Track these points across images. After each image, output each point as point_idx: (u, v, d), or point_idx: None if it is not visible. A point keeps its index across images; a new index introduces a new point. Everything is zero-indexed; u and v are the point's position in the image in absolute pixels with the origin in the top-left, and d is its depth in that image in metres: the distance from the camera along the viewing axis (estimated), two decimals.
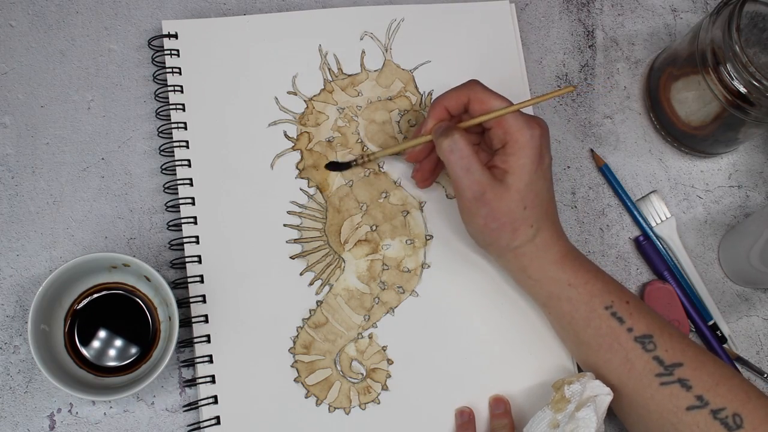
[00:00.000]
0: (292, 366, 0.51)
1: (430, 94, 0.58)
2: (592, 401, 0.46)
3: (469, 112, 0.50)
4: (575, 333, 0.49)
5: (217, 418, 0.50)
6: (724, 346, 0.57)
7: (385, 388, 0.52)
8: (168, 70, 0.55)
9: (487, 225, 0.48)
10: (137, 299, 0.51)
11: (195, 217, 0.53)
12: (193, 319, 0.51)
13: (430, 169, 0.54)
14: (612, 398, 0.46)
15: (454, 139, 0.47)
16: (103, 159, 0.54)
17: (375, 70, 0.58)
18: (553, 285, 0.49)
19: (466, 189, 0.47)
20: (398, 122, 0.57)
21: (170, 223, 0.53)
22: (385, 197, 0.55)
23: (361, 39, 0.58)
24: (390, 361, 0.53)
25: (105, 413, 0.50)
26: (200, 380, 0.50)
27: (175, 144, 0.54)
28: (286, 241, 0.54)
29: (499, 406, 0.51)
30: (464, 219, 0.50)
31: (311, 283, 0.53)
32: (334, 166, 0.55)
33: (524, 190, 0.47)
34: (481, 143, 0.52)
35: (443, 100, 0.50)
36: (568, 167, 0.59)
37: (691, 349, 0.46)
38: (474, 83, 0.49)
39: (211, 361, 0.51)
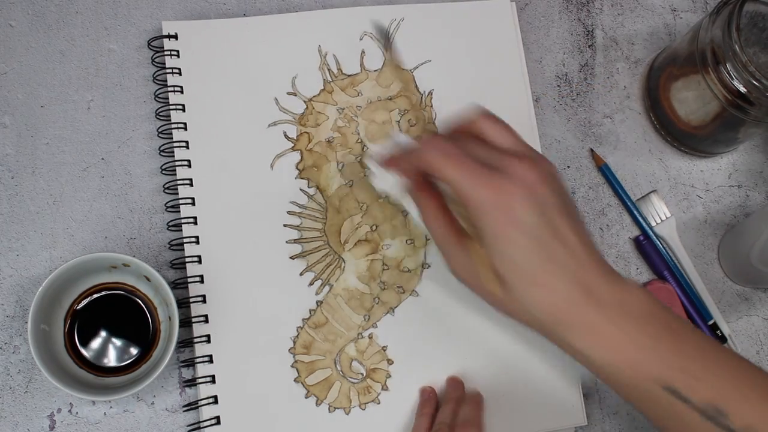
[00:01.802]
0: (292, 366, 0.51)
1: (430, 93, 0.58)
2: None
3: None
4: (637, 409, 0.41)
5: (217, 418, 0.50)
6: (724, 345, 0.57)
7: (385, 388, 0.52)
8: (168, 70, 0.55)
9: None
10: (137, 299, 0.51)
11: (195, 218, 0.53)
12: (193, 319, 0.51)
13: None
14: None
15: (448, 243, 0.43)
16: (103, 159, 0.54)
17: (375, 70, 0.58)
18: (594, 367, 0.40)
19: (470, 286, 0.43)
20: (398, 122, 0.57)
21: (170, 224, 0.53)
22: (386, 197, 0.55)
23: (361, 39, 0.58)
24: (390, 361, 0.53)
25: (105, 413, 0.50)
26: (200, 380, 0.50)
27: (175, 144, 0.54)
28: (286, 242, 0.54)
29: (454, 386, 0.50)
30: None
31: (311, 283, 0.53)
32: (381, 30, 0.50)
33: (522, 291, 0.39)
34: None
35: (401, 162, 0.44)
36: (568, 167, 0.59)
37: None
38: (431, 154, 0.41)
39: (211, 361, 0.51)
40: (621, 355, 0.39)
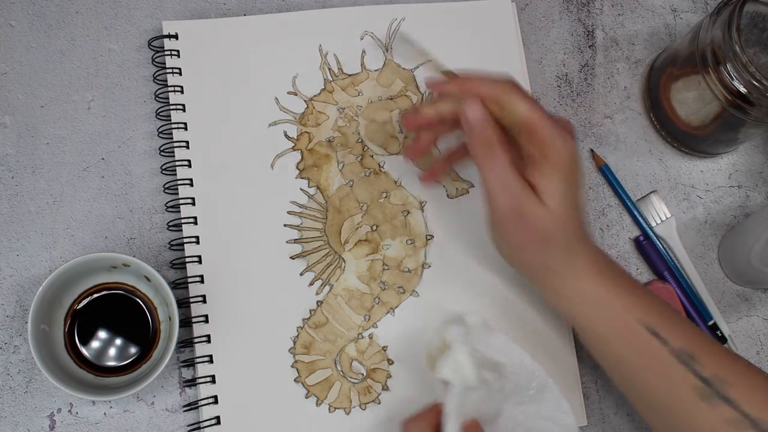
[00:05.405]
0: (292, 366, 0.51)
1: (430, 93, 0.58)
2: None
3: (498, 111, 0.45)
4: (612, 353, 0.46)
5: (217, 418, 0.50)
6: (724, 346, 0.57)
7: (385, 388, 0.52)
8: (168, 70, 0.55)
9: (519, 243, 0.46)
10: (137, 299, 0.51)
11: (195, 218, 0.53)
12: (193, 319, 0.51)
13: (428, 143, 0.50)
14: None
15: (495, 153, 0.44)
16: (103, 159, 0.54)
17: (375, 70, 0.58)
18: (587, 303, 0.46)
19: (501, 205, 0.44)
20: (398, 122, 0.57)
21: (170, 224, 0.53)
22: (386, 197, 0.55)
23: (362, 39, 0.58)
24: (390, 361, 0.53)
25: (105, 413, 0.50)
26: (200, 380, 0.50)
27: (175, 144, 0.54)
28: (287, 241, 0.54)
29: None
30: (494, 235, 0.48)
31: (311, 283, 0.53)
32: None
33: (559, 209, 0.44)
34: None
35: (477, 86, 0.45)
36: None
37: (734, 365, 0.44)
38: (511, 87, 0.45)
39: (211, 361, 0.50)
40: (615, 296, 0.45)
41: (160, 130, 0.55)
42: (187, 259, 0.52)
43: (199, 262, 0.52)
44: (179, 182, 0.53)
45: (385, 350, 0.53)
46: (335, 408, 0.51)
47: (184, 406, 0.51)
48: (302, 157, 0.55)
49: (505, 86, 0.45)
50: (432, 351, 0.46)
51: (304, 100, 0.56)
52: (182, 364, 0.51)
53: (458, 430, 0.42)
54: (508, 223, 0.45)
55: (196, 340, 0.51)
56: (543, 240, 0.45)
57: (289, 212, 0.54)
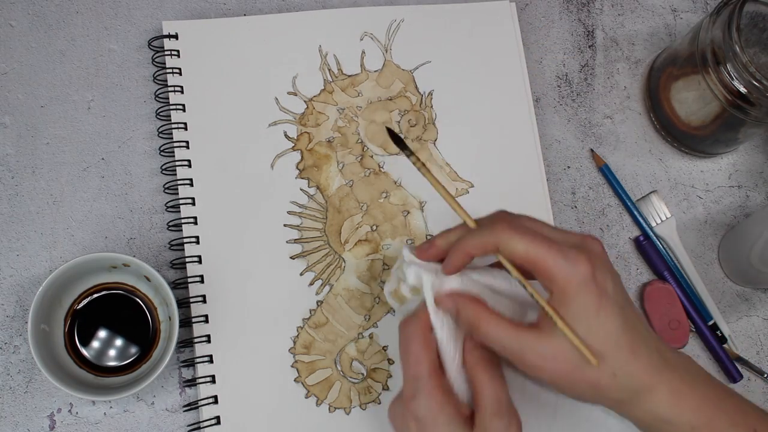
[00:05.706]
0: (292, 366, 0.51)
1: (430, 94, 0.58)
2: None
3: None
4: None
5: (217, 418, 0.50)
6: (724, 346, 0.57)
7: (385, 388, 0.52)
8: (168, 70, 0.55)
9: (569, 395, 0.40)
10: (137, 299, 0.51)
11: (195, 218, 0.53)
12: (193, 319, 0.51)
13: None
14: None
15: (502, 331, 0.39)
16: (103, 159, 0.54)
17: (375, 71, 0.58)
18: (672, 429, 0.39)
19: (531, 373, 0.39)
20: (398, 122, 0.57)
21: (170, 224, 0.53)
22: (386, 197, 0.55)
23: (361, 39, 0.58)
24: (391, 361, 0.53)
25: (105, 413, 0.50)
26: (200, 380, 0.50)
27: (175, 144, 0.54)
28: (287, 241, 0.54)
29: None
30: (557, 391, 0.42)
31: (311, 283, 0.53)
32: (396, 138, 0.45)
33: (597, 343, 0.38)
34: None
35: (466, 246, 0.40)
36: (568, 167, 0.59)
37: None
38: (500, 229, 0.39)
39: (211, 361, 0.50)
40: (703, 418, 0.39)
41: (160, 130, 0.55)
42: (187, 259, 0.52)
43: (199, 262, 0.52)
44: (179, 182, 0.53)
45: (385, 350, 0.53)
46: (335, 408, 0.51)
47: (184, 406, 0.51)
48: (302, 157, 0.55)
49: (493, 232, 0.39)
50: (391, 286, 0.44)
51: (304, 101, 0.56)
52: (182, 364, 0.51)
53: (442, 320, 0.40)
54: (551, 385, 0.40)
55: (196, 340, 0.51)
56: (588, 384, 0.39)
57: (289, 212, 0.54)
